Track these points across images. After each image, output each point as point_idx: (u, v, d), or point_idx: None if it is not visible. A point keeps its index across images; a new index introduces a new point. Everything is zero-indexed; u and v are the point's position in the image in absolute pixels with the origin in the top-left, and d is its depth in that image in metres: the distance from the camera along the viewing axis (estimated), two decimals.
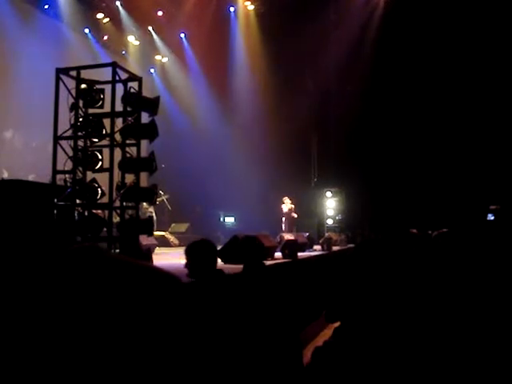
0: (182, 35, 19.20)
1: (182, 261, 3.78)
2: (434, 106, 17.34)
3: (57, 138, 7.73)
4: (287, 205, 16.42)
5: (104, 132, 7.72)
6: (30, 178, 10.94)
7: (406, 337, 1.36)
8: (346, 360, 1.39)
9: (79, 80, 7.92)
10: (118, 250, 7.15)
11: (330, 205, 18.28)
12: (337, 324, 1.61)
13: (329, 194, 18.30)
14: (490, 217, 12.91)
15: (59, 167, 7.72)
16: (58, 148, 7.72)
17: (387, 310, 1.42)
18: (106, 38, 17.31)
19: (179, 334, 0.65)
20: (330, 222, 18.13)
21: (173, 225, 16.84)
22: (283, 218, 16.40)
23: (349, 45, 17.06)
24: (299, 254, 10.34)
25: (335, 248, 13.85)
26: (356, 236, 16.65)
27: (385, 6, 17.52)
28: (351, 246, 14.92)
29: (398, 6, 16.86)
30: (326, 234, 15.93)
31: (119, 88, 7.84)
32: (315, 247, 13.67)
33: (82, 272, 0.65)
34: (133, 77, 8.14)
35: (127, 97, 7.93)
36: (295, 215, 16.56)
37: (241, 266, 4.17)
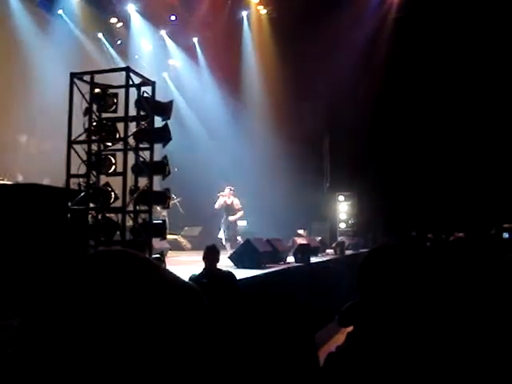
0: (195, 39, 19.27)
1: (195, 265, 3.84)
2: (450, 108, 17.24)
3: (71, 142, 7.77)
4: (224, 198, 13.51)
5: (117, 136, 7.76)
6: (45, 181, 10.99)
7: (422, 343, 1.35)
8: (360, 367, 1.38)
9: (93, 84, 7.97)
10: None
11: (343, 209, 18.26)
12: (350, 329, 1.60)
13: (341, 197, 18.28)
14: (505, 235, 12.76)
15: (73, 171, 7.76)
16: (72, 152, 7.76)
17: (402, 313, 1.41)
18: (119, 42, 17.44)
19: (199, 340, 0.65)
20: (342, 226, 18.10)
21: (185, 228, 16.87)
22: (222, 219, 13.73)
23: (362, 47, 17.02)
24: (312, 258, 10.34)
25: (348, 252, 13.83)
26: (368, 240, 16.60)
27: (398, 9, 17.48)
28: (364, 250, 14.88)
29: (412, 10, 16.81)
30: (339, 238, 15.91)
31: (133, 92, 7.89)
32: (328, 251, 13.65)
33: (108, 277, 0.65)
34: (146, 81, 8.18)
35: (141, 101, 7.97)
36: (237, 215, 13.68)
37: (254, 271, 4.23)
